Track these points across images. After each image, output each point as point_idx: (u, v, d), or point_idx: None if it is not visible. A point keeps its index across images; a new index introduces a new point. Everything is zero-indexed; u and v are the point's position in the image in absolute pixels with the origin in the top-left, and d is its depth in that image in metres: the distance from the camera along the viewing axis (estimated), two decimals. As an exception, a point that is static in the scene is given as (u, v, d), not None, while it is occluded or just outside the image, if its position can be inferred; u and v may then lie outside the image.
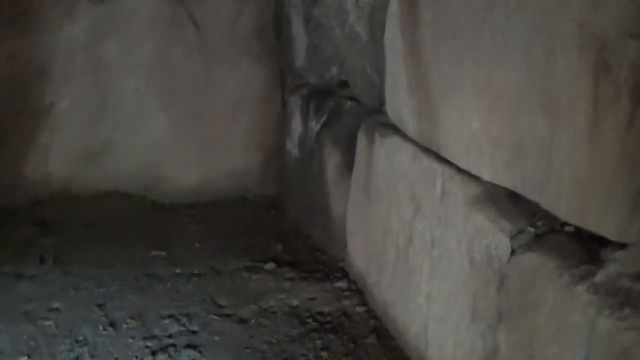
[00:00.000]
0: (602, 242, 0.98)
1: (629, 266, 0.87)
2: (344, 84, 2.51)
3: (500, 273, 1.16)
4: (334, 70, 2.58)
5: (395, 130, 1.67)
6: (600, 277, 0.90)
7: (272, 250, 2.45)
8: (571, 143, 0.87)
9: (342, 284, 2.07)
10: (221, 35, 3.04)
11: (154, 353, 1.61)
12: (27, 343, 1.65)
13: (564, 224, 1.12)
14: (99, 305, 1.91)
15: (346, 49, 2.15)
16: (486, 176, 1.18)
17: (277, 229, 2.76)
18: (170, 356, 1.59)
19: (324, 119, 2.55)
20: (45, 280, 2.11)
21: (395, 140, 1.63)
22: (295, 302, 1.95)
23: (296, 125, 2.87)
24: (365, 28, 1.85)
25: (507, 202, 1.21)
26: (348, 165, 2.21)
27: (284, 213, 2.97)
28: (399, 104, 1.57)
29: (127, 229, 2.72)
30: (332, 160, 2.33)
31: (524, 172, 1.03)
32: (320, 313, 1.88)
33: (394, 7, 1.52)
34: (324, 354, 1.63)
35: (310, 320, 1.84)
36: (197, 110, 3.13)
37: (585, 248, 1.01)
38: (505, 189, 1.20)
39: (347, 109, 2.36)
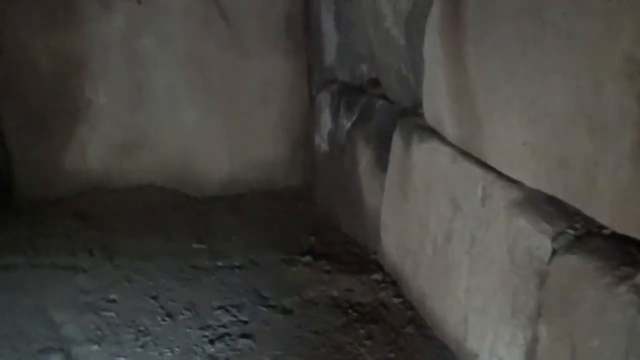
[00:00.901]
0: (640, 246, 1.08)
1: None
2: (374, 82, 2.59)
3: (541, 272, 1.27)
4: (364, 67, 2.66)
5: (433, 133, 1.76)
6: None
7: (306, 243, 2.57)
8: (616, 161, 0.97)
9: (377, 276, 2.19)
10: (251, 31, 3.13)
11: (212, 342, 1.75)
12: (94, 332, 1.80)
13: (601, 226, 1.22)
14: (153, 297, 2.04)
15: (380, 50, 2.23)
16: (528, 182, 1.28)
17: (307, 220, 2.88)
18: (227, 345, 1.72)
19: (355, 117, 2.64)
20: (98, 273, 2.25)
21: (433, 144, 1.73)
22: (334, 294, 2.07)
23: (325, 121, 2.97)
24: (402, 32, 1.93)
25: (546, 205, 1.31)
26: (380, 162, 2.32)
27: (312, 205, 3.09)
28: (439, 110, 1.66)
29: (165, 222, 2.86)
30: (364, 157, 2.44)
31: (567, 182, 1.13)
32: (359, 304, 2.01)
33: (435, 20, 1.60)
34: (368, 342, 1.75)
35: (350, 310, 1.96)
36: (228, 104, 3.25)
37: (623, 251, 1.11)
38: (544, 193, 1.30)
39: (379, 108, 2.45)
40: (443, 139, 1.69)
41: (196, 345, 1.73)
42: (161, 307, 1.97)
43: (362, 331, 1.82)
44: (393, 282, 2.13)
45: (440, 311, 1.75)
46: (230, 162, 3.34)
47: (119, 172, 3.21)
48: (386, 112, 2.37)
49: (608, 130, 0.97)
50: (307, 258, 2.38)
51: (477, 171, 1.48)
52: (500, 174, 1.40)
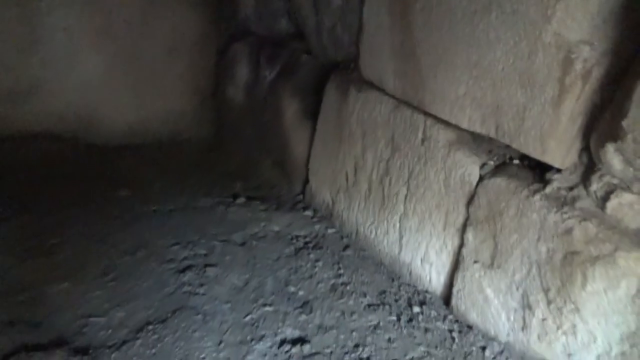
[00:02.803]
0: (543, 168, 1.54)
1: (565, 182, 1.45)
2: (295, 37, 2.80)
3: (470, 193, 1.69)
4: (284, 22, 2.85)
5: (372, 86, 2.08)
6: (548, 190, 1.46)
7: (233, 188, 2.74)
8: (541, 108, 1.39)
9: (308, 212, 2.48)
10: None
11: (180, 271, 1.88)
12: (54, 273, 1.79)
13: (511, 158, 1.68)
14: (100, 241, 2.06)
15: (311, 9, 2.44)
16: (464, 125, 1.67)
17: (224, 169, 3.01)
18: (197, 274, 1.87)
19: (277, 69, 2.83)
20: (23, 222, 2.15)
21: (374, 94, 2.04)
22: (276, 228, 2.31)
23: (241, 73, 3.10)
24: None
25: (473, 144, 1.74)
26: (306, 112, 2.58)
27: (226, 155, 3.21)
28: (381, 66, 1.97)
29: (76, 171, 2.76)
30: (290, 108, 2.66)
31: (498, 124, 1.54)
32: (300, 236, 2.28)
33: (381, -14, 1.89)
34: (319, 264, 2.05)
35: (294, 241, 2.23)
36: (133, 52, 3.16)
37: (531, 173, 1.57)
38: (471, 133, 1.71)
39: (304, 62, 2.68)
40: (383, 91, 2.01)
41: (167, 276, 1.84)
42: (113, 247, 2.01)
43: (310, 256, 2.11)
44: (323, 217, 2.44)
45: (375, 235, 2.12)
46: (135, 112, 3.28)
47: (7, 121, 2.95)
48: (312, 66, 2.62)
49: (536, 86, 1.37)
50: (241, 200, 2.57)
51: (419, 117, 1.84)
52: (439, 119, 1.78)
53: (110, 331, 1.51)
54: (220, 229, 2.25)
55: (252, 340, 1.57)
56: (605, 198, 1.32)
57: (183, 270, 1.89)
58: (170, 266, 1.92)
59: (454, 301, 1.78)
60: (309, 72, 2.63)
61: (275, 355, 1.52)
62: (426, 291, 1.91)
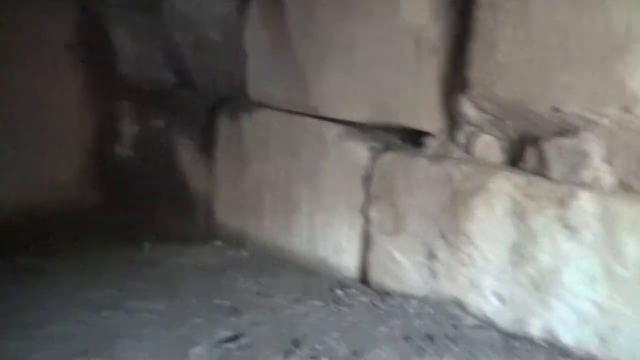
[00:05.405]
0: (419, 141, 1.82)
1: (437, 142, 1.73)
2: (179, 85, 2.95)
3: (366, 175, 1.92)
4: (166, 73, 2.99)
5: (261, 105, 2.27)
6: (427, 151, 1.74)
7: (137, 237, 2.68)
8: (408, 84, 1.68)
9: (218, 242, 2.53)
10: (31, 47, 3.05)
11: (99, 310, 1.80)
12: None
13: (395, 143, 1.96)
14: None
15: (192, 53, 2.63)
16: (350, 117, 1.92)
17: (124, 224, 2.95)
18: (116, 309, 1.81)
19: (166, 117, 2.93)
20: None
21: (265, 112, 2.24)
22: (189, 261, 2.32)
23: (128, 129, 3.14)
24: (219, 34, 2.40)
25: (360, 133, 1.99)
26: (202, 149, 2.69)
27: (123, 210, 3.12)
28: (267, 85, 2.18)
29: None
30: (185, 148, 2.76)
31: (380, 107, 1.81)
32: (214, 262, 2.31)
33: (254, 17, 2.14)
34: (240, 279, 2.08)
35: (210, 267, 2.25)
36: (12, 121, 3.06)
37: (411, 145, 1.84)
38: (357, 124, 1.96)
39: (191, 104, 2.82)
40: (273, 107, 2.21)
41: (87, 317, 1.76)
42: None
43: (229, 273, 2.14)
44: (234, 244, 2.49)
45: (288, 243, 2.23)
46: (18, 186, 3.12)
47: None
48: (200, 106, 2.76)
49: (402, 66, 1.67)
50: (147, 245, 2.53)
51: (309, 121, 2.06)
52: (328, 118, 2.01)
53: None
54: (131, 270, 2.20)
55: (189, 347, 1.56)
56: (470, 144, 1.62)
57: (100, 308, 1.81)
58: (88, 307, 1.83)
59: (370, 276, 1.94)
60: (198, 112, 2.76)
61: (213, 352, 1.53)
62: (345, 277, 2.04)
